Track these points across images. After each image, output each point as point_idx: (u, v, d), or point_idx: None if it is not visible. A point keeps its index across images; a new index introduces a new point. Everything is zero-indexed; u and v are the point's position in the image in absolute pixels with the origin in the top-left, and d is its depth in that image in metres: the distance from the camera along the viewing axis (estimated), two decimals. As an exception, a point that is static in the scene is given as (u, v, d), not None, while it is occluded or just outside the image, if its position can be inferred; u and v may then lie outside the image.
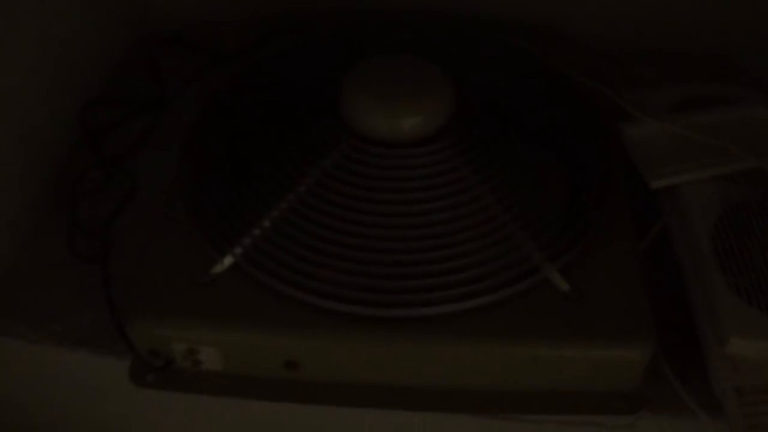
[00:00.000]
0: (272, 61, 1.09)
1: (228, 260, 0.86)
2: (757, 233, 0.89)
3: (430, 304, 0.82)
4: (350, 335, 0.83)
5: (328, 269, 0.84)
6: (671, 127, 0.99)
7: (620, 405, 0.84)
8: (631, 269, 0.87)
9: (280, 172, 0.91)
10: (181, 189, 0.94)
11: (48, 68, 1.07)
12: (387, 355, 0.84)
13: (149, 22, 1.28)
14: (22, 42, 1.01)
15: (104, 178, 1.06)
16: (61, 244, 1.00)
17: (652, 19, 1.17)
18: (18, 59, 1.01)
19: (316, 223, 0.87)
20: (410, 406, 0.86)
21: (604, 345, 0.82)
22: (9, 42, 0.99)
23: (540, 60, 1.07)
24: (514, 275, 0.84)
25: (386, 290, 0.83)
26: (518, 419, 0.86)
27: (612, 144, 0.98)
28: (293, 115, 0.98)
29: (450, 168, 0.90)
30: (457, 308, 0.82)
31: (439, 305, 0.82)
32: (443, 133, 0.93)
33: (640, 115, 1.01)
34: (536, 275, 0.84)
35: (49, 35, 1.06)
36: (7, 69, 0.99)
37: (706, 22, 1.15)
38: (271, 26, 1.20)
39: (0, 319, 0.95)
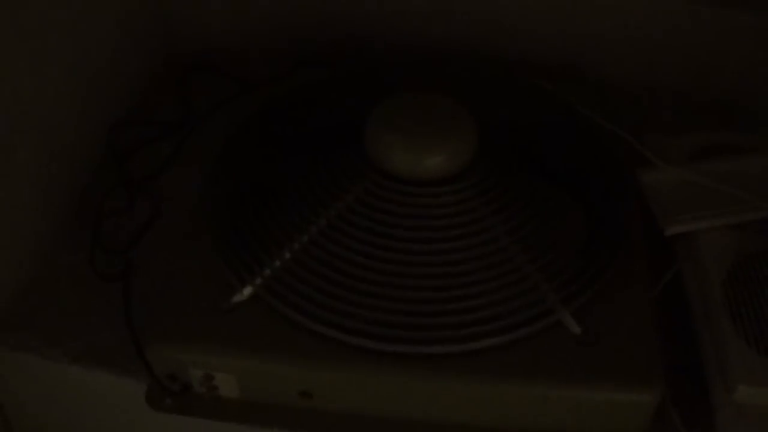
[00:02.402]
0: (301, 92, 1.10)
1: (248, 290, 0.87)
2: (769, 283, 0.89)
3: (444, 341, 0.83)
4: (364, 369, 0.84)
5: (345, 302, 0.85)
6: (688, 174, 1.00)
7: (627, 448, 0.85)
8: (644, 314, 0.87)
9: (302, 204, 0.92)
10: (204, 215, 0.95)
11: (78, 90, 1.08)
12: (400, 389, 0.85)
13: (178, 48, 1.30)
14: (53, 63, 1.02)
15: (128, 199, 1.08)
16: (83, 262, 1.01)
17: (676, 66, 1.18)
18: (49, 79, 1.02)
19: (336, 257, 0.88)
20: (420, 440, 0.87)
21: (614, 388, 0.82)
22: (41, 62, 1.00)
23: (562, 102, 1.08)
24: (528, 316, 0.85)
25: (401, 326, 0.84)
26: (526, 458, 0.87)
27: (630, 189, 0.99)
28: (319, 147, 0.99)
29: (469, 208, 0.91)
30: (470, 347, 0.83)
31: (453, 343, 0.83)
32: (465, 172, 0.94)
33: (658, 161, 1.01)
34: (550, 317, 0.85)
35: (80, 57, 1.08)
36: (39, 89, 1.00)
37: (727, 71, 1.16)
38: (301, 56, 1.21)
39: (19, 333, 0.96)
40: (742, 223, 0.95)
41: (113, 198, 1.08)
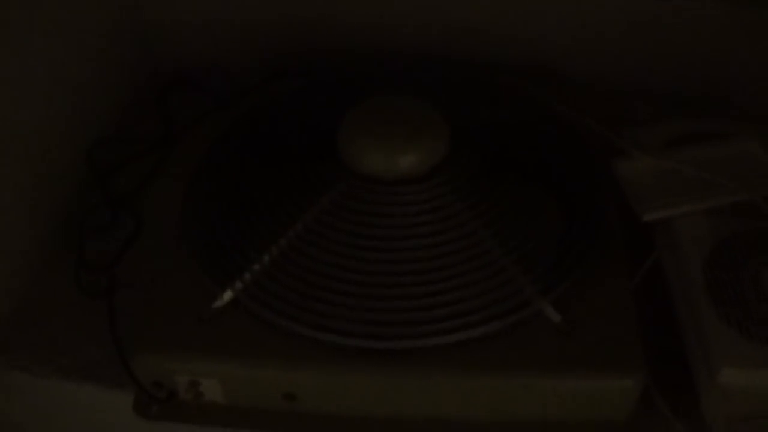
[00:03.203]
0: (275, 103, 1.11)
1: (228, 295, 0.88)
2: (748, 266, 0.89)
3: (425, 336, 0.83)
4: (346, 368, 0.84)
5: (325, 303, 0.86)
6: (663, 162, 1.00)
7: (613, 435, 0.86)
8: (623, 302, 0.88)
9: (280, 210, 0.93)
10: (185, 225, 0.96)
11: (58, 108, 1.09)
12: (382, 387, 0.86)
13: (158, 65, 1.31)
14: (33, 82, 1.03)
15: (111, 216, 1.08)
16: (68, 280, 1.01)
17: (646, 58, 1.19)
18: (29, 99, 1.02)
19: (314, 259, 0.89)
20: (406, 436, 0.88)
21: (596, 376, 0.83)
22: (21, 82, 1.01)
23: (535, 97, 1.09)
24: (507, 308, 0.85)
25: (382, 323, 0.85)
26: (512, 449, 0.87)
27: (605, 179, 1.00)
28: (295, 154, 1.00)
29: (444, 204, 0.92)
30: (451, 340, 0.83)
31: (434, 337, 0.83)
32: (438, 170, 0.95)
33: (633, 151, 1.02)
34: (528, 308, 0.86)
35: (59, 76, 1.08)
36: (18, 108, 1.00)
37: (700, 61, 1.17)
38: (276, 68, 1.22)
39: (7, 352, 0.96)
40: (719, 208, 0.96)
41: (96, 215, 1.08)
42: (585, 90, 1.16)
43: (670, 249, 0.95)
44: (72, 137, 1.13)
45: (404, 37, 1.23)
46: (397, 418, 0.87)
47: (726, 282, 0.89)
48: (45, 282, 1.03)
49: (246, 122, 1.08)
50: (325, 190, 0.94)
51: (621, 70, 1.21)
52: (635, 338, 0.85)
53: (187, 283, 0.91)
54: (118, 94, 1.24)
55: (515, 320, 0.85)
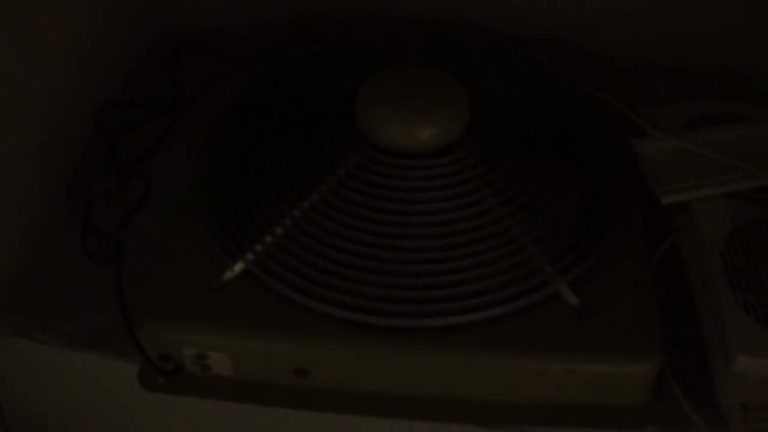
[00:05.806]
0: (290, 69, 1.09)
1: (239, 266, 0.87)
2: (767, 251, 0.89)
3: (440, 314, 0.82)
4: (359, 344, 0.83)
5: (338, 278, 0.84)
6: (684, 143, 0.99)
7: (627, 419, 0.84)
8: (641, 284, 0.87)
9: (294, 180, 0.92)
10: (195, 193, 0.94)
11: (67, 70, 1.07)
12: (396, 364, 0.85)
13: (168, 27, 1.29)
14: (42, 44, 1.02)
15: (119, 180, 1.07)
16: (74, 245, 1.00)
17: (667, 36, 1.18)
18: (38, 61, 1.01)
19: (328, 232, 0.88)
20: (418, 415, 0.86)
21: (612, 360, 0.82)
22: (29, 44, 0.99)
23: (555, 73, 1.07)
24: (525, 288, 0.84)
25: (396, 300, 0.83)
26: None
27: (625, 159, 0.99)
28: (309, 123, 0.98)
29: (463, 180, 0.91)
30: (466, 319, 0.82)
31: (449, 316, 0.82)
32: (458, 145, 0.93)
33: (653, 131, 1.01)
34: (546, 288, 0.85)
35: (68, 38, 1.07)
36: (27, 70, 0.99)
37: (722, 40, 1.16)
38: (289, 34, 1.20)
39: (11, 318, 0.95)
40: (739, 192, 0.95)
41: (104, 180, 1.07)
42: (606, 66, 1.15)
43: (688, 232, 0.94)
44: (80, 99, 1.12)
45: (424, 5, 1.21)
46: (410, 396, 0.86)
47: (744, 268, 0.88)
48: (50, 246, 1.02)
49: (260, 88, 1.07)
50: (341, 161, 0.93)
51: (642, 47, 1.20)
52: (652, 323, 0.84)
53: (196, 252, 0.90)
54: (126, 56, 1.23)
55: (532, 301, 0.84)
